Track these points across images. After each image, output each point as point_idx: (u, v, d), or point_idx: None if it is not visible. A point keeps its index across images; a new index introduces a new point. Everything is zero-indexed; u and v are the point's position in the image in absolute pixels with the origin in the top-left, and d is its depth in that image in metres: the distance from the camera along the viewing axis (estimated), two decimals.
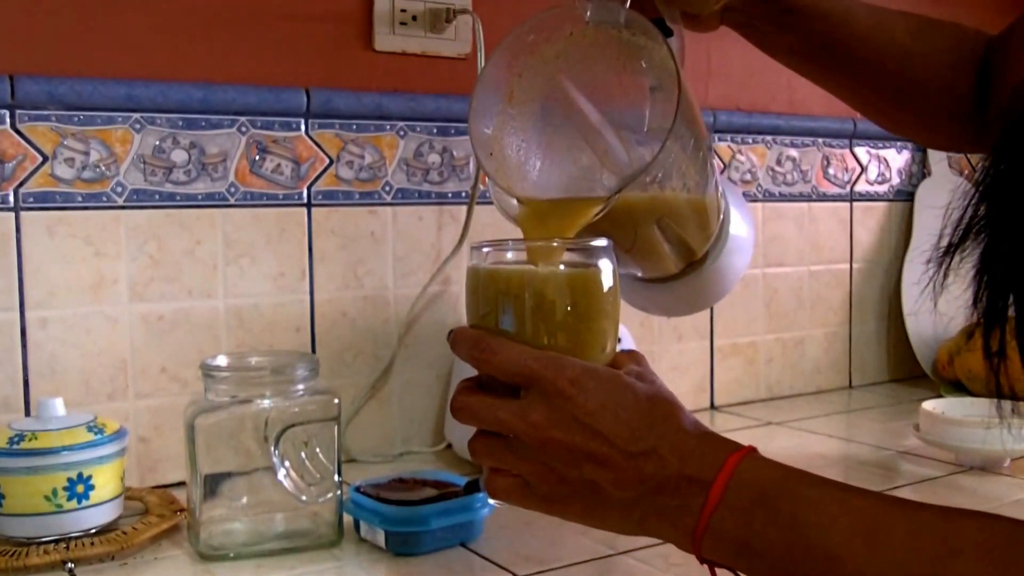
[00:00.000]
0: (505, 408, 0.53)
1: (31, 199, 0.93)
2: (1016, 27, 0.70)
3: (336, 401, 0.82)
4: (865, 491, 0.51)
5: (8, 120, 0.92)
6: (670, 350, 1.33)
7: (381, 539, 0.79)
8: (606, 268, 0.57)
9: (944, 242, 0.47)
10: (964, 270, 0.46)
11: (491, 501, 0.80)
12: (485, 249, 0.57)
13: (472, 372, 0.58)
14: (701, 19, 0.70)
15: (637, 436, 0.51)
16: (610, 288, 0.57)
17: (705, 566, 0.53)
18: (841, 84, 0.78)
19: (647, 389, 0.54)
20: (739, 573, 0.53)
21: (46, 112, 0.94)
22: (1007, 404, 0.49)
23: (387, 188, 1.12)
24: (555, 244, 0.57)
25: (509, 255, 0.58)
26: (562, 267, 0.57)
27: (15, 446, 0.78)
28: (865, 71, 0.74)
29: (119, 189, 0.97)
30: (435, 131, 1.14)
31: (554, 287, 0.55)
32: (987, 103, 0.70)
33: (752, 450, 0.52)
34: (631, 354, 0.58)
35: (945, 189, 1.61)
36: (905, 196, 1.60)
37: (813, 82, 0.80)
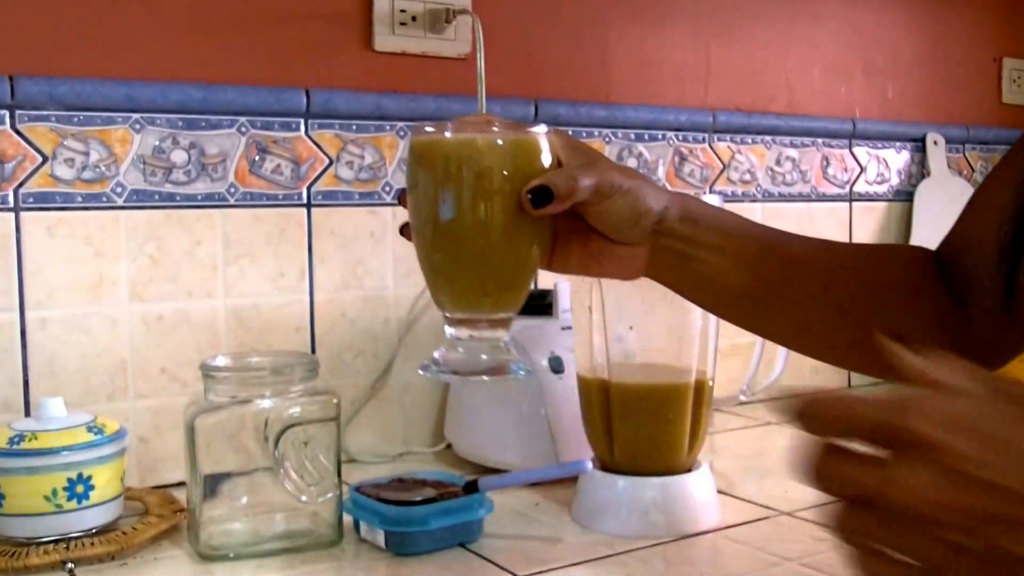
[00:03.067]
0: (871, 472, 0.39)
1: (31, 199, 0.93)
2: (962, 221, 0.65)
3: (336, 401, 0.82)
4: None
5: (8, 120, 0.92)
6: None
7: (381, 539, 0.79)
8: (543, 141, 0.58)
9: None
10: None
11: None
12: (428, 128, 0.58)
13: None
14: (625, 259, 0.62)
15: None
16: (547, 160, 0.58)
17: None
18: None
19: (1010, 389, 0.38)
20: None
21: (46, 112, 0.94)
22: None
23: (387, 188, 1.12)
24: (494, 122, 0.58)
25: (448, 134, 0.58)
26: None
27: (15, 446, 0.78)
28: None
29: (119, 189, 0.97)
30: None
31: (493, 150, 0.56)
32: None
33: None
34: None
35: (944, 189, 1.61)
36: (904, 196, 1.60)
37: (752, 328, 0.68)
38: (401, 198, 0.61)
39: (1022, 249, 0.57)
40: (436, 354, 0.60)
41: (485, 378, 0.60)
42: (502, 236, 0.57)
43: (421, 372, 0.60)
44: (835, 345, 0.66)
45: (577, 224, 0.60)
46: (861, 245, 0.66)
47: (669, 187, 1.32)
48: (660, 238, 0.61)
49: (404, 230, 0.62)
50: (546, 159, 0.58)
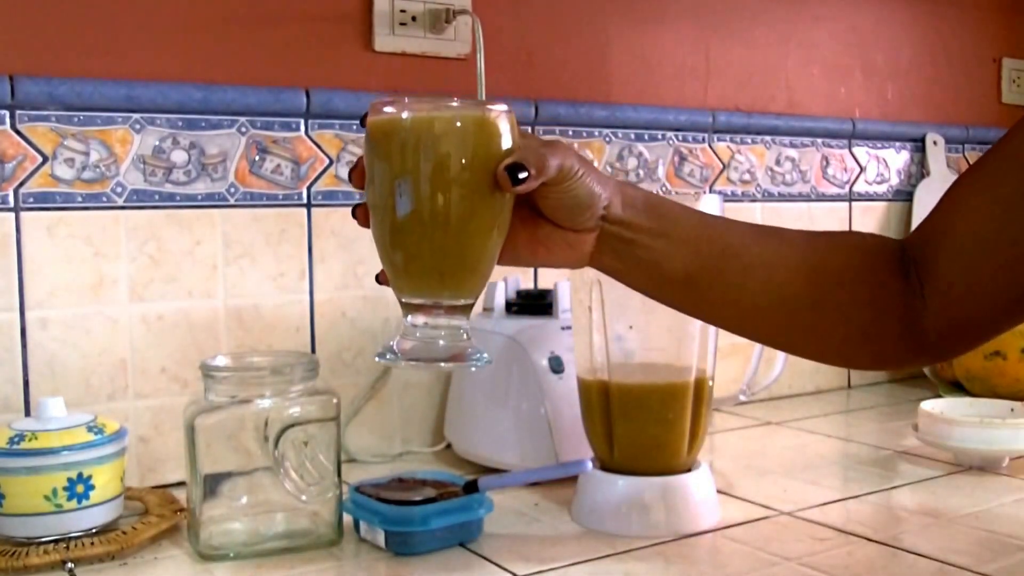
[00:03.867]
0: None
1: (31, 199, 0.93)
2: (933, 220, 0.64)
3: (336, 401, 0.82)
4: None
5: (8, 120, 0.92)
6: None
7: (381, 539, 0.79)
8: (504, 120, 0.56)
9: None
10: None
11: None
12: (386, 108, 0.56)
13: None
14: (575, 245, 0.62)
15: None
16: (507, 141, 0.56)
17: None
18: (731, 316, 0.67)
19: None
20: None
21: (46, 112, 0.94)
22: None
23: None
24: (453, 100, 0.57)
25: (405, 114, 0.56)
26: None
27: (15, 446, 0.78)
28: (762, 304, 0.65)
29: (119, 189, 0.97)
30: None
31: (453, 131, 0.55)
32: (921, 307, 0.62)
33: None
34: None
35: (944, 189, 1.61)
36: (904, 196, 1.60)
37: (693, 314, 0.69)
38: (352, 176, 0.60)
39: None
40: (392, 342, 0.58)
41: (443, 366, 0.59)
42: (464, 220, 0.56)
43: (377, 359, 0.59)
44: (778, 331, 0.67)
45: (524, 212, 0.60)
46: (808, 233, 0.66)
47: (669, 187, 1.33)
48: (606, 224, 0.61)
49: (358, 213, 0.60)
50: (507, 138, 0.56)
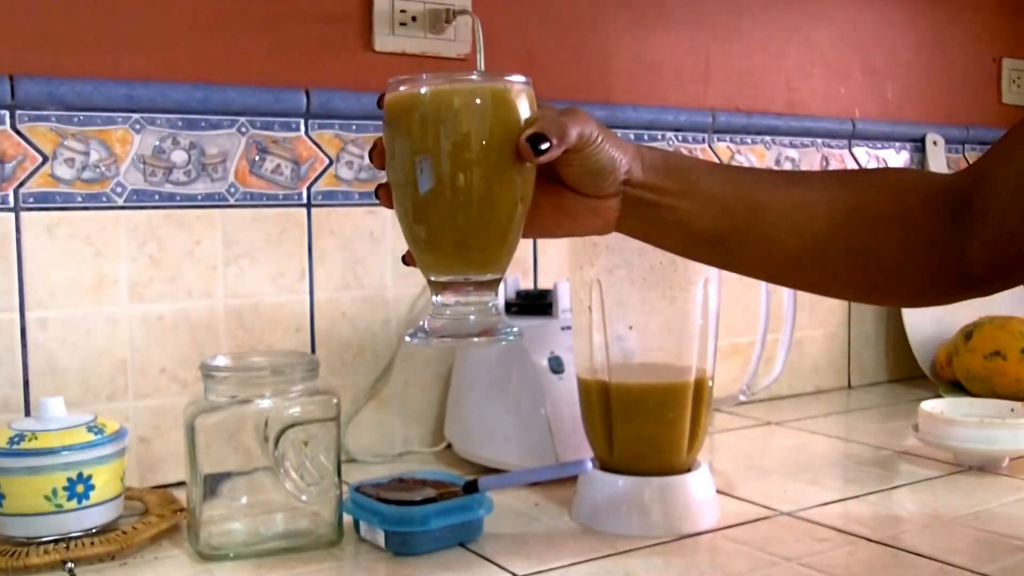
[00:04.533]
0: None
1: (31, 199, 0.93)
2: (990, 158, 0.64)
3: (336, 401, 0.82)
4: None
5: (8, 120, 0.92)
6: None
7: (381, 539, 0.79)
8: (522, 92, 0.56)
9: None
10: None
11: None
12: (402, 86, 0.57)
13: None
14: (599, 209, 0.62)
15: None
16: (525, 110, 0.56)
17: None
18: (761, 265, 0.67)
19: None
20: None
21: (46, 112, 0.94)
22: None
23: None
24: (472, 73, 0.57)
25: (424, 89, 0.56)
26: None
27: (15, 446, 0.78)
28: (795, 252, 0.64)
29: (119, 189, 0.97)
30: None
31: (472, 105, 0.54)
32: (965, 247, 0.62)
33: None
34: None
35: None
36: None
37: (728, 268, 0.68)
38: (373, 156, 0.60)
39: None
40: (423, 322, 0.58)
41: (475, 340, 0.58)
42: (488, 193, 0.55)
43: (408, 340, 0.58)
44: (813, 278, 0.66)
45: (545, 183, 0.60)
46: (840, 174, 0.66)
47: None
48: (629, 188, 0.61)
49: (381, 193, 0.60)
50: (525, 108, 0.56)
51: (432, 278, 0.58)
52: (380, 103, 0.58)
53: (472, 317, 0.57)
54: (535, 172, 0.58)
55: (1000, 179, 0.61)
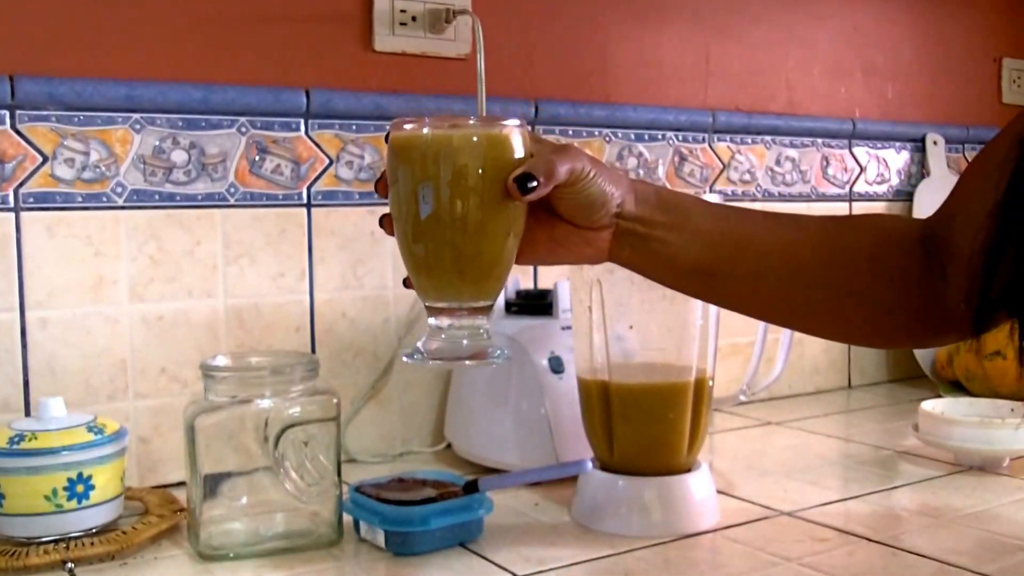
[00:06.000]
0: None
1: (31, 199, 0.93)
2: (955, 197, 0.65)
3: (336, 401, 0.82)
4: None
5: (8, 120, 0.92)
6: None
7: (381, 539, 0.79)
8: (516, 135, 0.60)
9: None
10: None
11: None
12: (407, 124, 0.60)
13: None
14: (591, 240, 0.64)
15: None
16: (520, 152, 0.60)
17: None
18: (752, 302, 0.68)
19: None
20: None
21: (46, 112, 0.94)
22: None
23: None
24: (470, 118, 0.61)
25: (426, 130, 0.60)
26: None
27: (15, 446, 0.78)
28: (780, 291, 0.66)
29: (119, 189, 0.97)
30: None
31: (469, 146, 0.59)
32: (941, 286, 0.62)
33: None
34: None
35: (944, 189, 1.61)
36: (904, 196, 1.60)
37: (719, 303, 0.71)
38: (378, 187, 0.63)
39: (1003, 237, 0.58)
40: (419, 343, 0.62)
41: (467, 363, 0.62)
42: (480, 227, 0.59)
43: (405, 359, 0.63)
44: (799, 315, 0.68)
45: (540, 214, 0.63)
46: (824, 217, 0.68)
47: (669, 187, 1.32)
48: (621, 220, 0.64)
49: (384, 222, 0.64)
50: (519, 150, 0.60)
51: (429, 303, 0.63)
52: (387, 138, 0.62)
53: (465, 341, 0.62)
54: (526, 208, 0.61)
55: (962, 218, 0.62)
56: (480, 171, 0.59)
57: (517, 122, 0.61)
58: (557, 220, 0.63)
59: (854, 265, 0.65)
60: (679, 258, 0.65)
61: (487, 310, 0.63)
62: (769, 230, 0.66)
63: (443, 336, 0.62)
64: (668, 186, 1.33)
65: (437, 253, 0.60)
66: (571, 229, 0.64)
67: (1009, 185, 0.55)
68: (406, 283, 0.65)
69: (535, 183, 0.58)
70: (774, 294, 0.66)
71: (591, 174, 0.61)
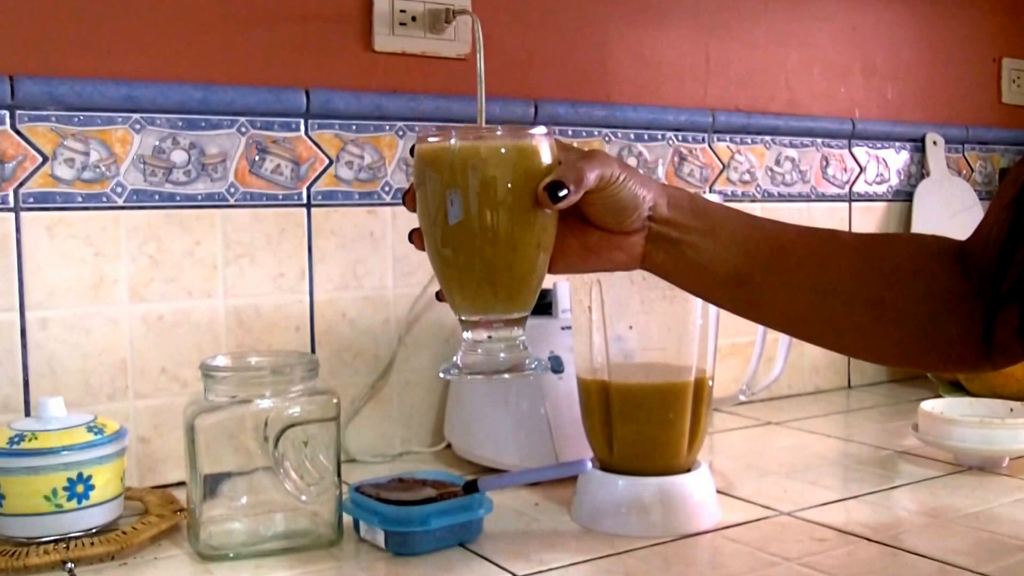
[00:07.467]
0: None
1: (31, 199, 0.93)
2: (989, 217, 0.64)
3: (336, 401, 0.82)
4: None
5: (8, 120, 0.92)
6: None
7: (381, 539, 0.79)
8: (544, 143, 0.60)
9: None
10: None
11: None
12: (432, 137, 0.61)
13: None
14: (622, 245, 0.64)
15: None
16: (548, 160, 0.60)
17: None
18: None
19: None
20: None
21: (46, 112, 0.94)
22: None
23: (387, 188, 1.12)
24: (496, 129, 0.61)
25: (453, 142, 0.60)
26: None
27: (15, 446, 0.78)
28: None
29: (119, 189, 0.97)
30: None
31: (498, 157, 0.59)
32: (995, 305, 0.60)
33: None
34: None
35: (944, 190, 1.61)
36: (904, 196, 1.60)
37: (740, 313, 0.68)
38: (406, 201, 0.63)
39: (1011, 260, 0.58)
40: (456, 358, 0.62)
41: (507, 376, 0.62)
42: (511, 237, 0.59)
43: (442, 375, 0.62)
44: (832, 331, 0.66)
45: (572, 222, 0.62)
46: (862, 234, 0.67)
47: None
48: (653, 225, 0.63)
49: (414, 236, 0.64)
50: (547, 159, 0.60)
51: (464, 317, 0.62)
52: (412, 151, 0.62)
53: (503, 355, 0.62)
54: (556, 216, 0.61)
55: (996, 232, 0.61)
56: (509, 182, 0.59)
57: (544, 131, 0.61)
58: (589, 227, 0.63)
59: (893, 279, 0.64)
60: (713, 265, 0.64)
61: (522, 321, 0.63)
62: (805, 242, 0.65)
63: (479, 350, 0.62)
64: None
65: (469, 265, 0.60)
66: (604, 235, 0.63)
67: None
68: (439, 296, 0.65)
69: (565, 191, 0.58)
70: (809, 307, 0.65)
71: (621, 178, 0.60)
